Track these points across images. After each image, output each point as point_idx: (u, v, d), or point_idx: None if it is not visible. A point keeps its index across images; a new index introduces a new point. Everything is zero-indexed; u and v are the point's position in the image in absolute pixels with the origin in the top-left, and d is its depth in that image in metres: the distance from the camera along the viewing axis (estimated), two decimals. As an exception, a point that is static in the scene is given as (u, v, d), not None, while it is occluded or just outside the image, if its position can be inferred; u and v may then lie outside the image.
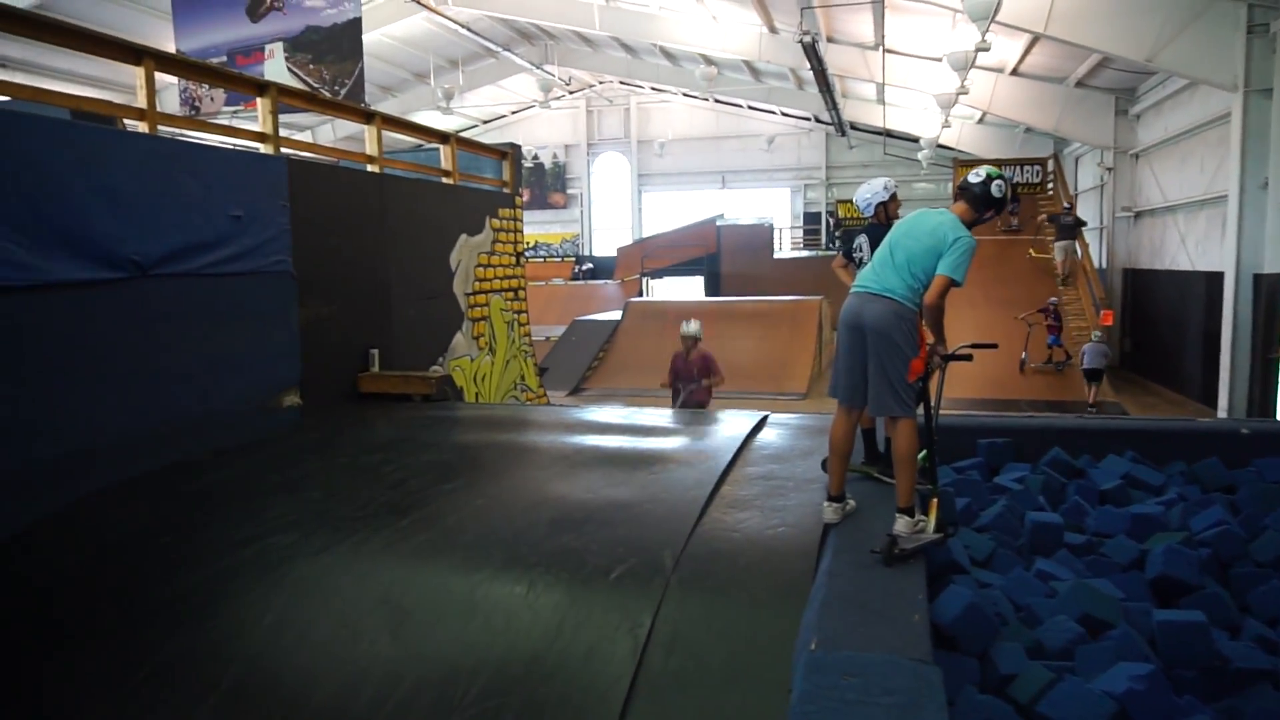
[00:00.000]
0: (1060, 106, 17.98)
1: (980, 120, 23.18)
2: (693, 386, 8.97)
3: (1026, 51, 16.48)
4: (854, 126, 28.53)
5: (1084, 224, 17.63)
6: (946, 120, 20.51)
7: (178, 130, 7.17)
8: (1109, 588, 3.65)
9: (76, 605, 3.57)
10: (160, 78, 5.67)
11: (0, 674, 3.21)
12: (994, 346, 4.17)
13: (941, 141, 23.84)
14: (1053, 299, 15.03)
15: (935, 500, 3.68)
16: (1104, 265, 18.60)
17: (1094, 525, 4.51)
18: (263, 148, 6.43)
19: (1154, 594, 3.79)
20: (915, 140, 26.20)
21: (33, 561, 3.88)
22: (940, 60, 16.51)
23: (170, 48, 15.04)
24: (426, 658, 3.20)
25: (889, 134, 27.16)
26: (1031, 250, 17.81)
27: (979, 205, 3.81)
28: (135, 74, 5.48)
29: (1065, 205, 18.04)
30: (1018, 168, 20.12)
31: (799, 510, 4.20)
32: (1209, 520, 4.31)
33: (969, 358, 3.95)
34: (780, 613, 3.34)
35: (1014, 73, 18.10)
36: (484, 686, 3.03)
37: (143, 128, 5.48)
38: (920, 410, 3.77)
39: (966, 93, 16.93)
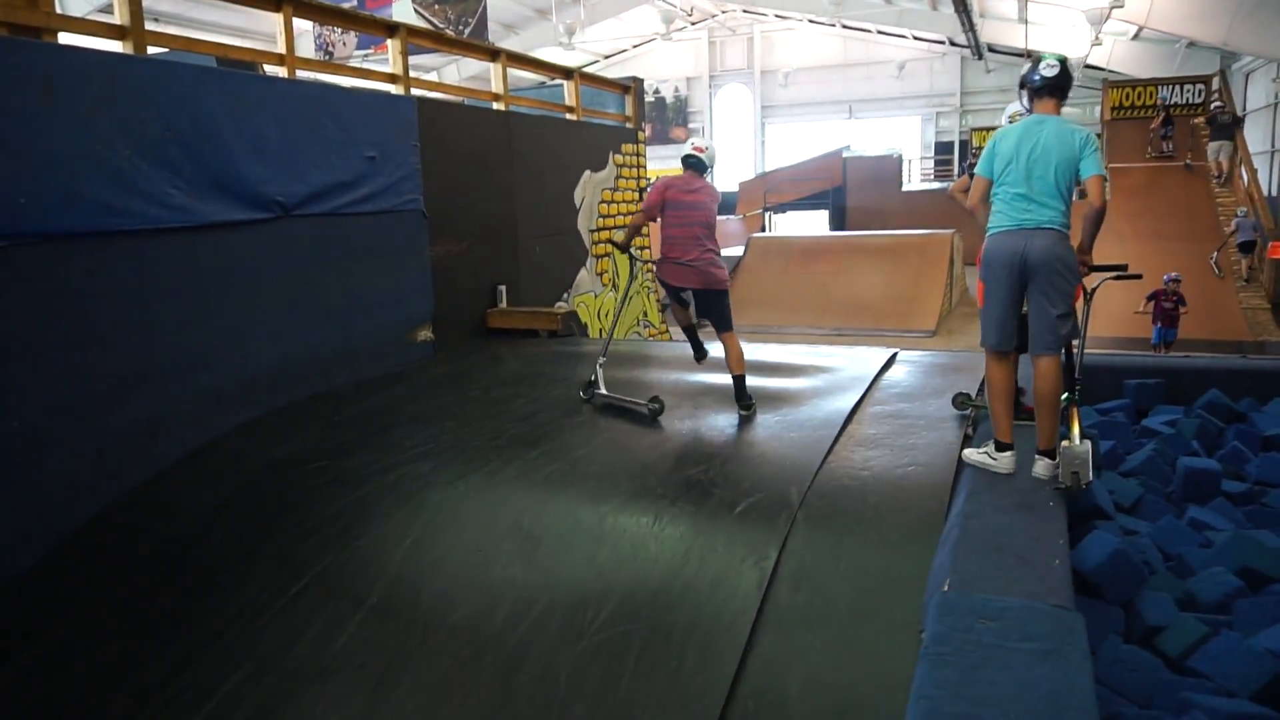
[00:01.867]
0: (1231, 15, 16.35)
1: (1135, 36, 21.41)
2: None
3: (1193, -44, 15.06)
4: (991, 49, 26.88)
5: (1241, 121, 16.24)
6: (1097, 38, 19.04)
7: (314, 74, 7.40)
8: (1273, 540, 3.42)
9: (242, 522, 3.86)
10: (296, 25, 5.85)
11: (181, 586, 3.50)
12: (1139, 277, 4.07)
13: (1090, 61, 22.19)
14: (1171, 275, 11.22)
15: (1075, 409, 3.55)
16: (1274, 193, 17.04)
17: (1256, 473, 4.23)
18: (393, 89, 6.58)
19: (1324, 548, 3.52)
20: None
21: (201, 482, 4.20)
22: (1093, -29, 15.29)
23: (305, -7, 15.49)
24: (557, 582, 3.30)
25: (1031, 56, 25.49)
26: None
27: (1065, 94, 3.60)
28: (274, 21, 5.67)
29: (1219, 104, 16.58)
30: (1176, 87, 18.55)
31: (930, 449, 4.09)
32: (1391, 470, 3.96)
33: (1123, 268, 3.88)
34: (910, 553, 3.28)
35: (1177, -19, 16.60)
36: (613, 611, 3.11)
37: (283, 73, 5.68)
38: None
39: (1121, 5, 15.64)
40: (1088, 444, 3.37)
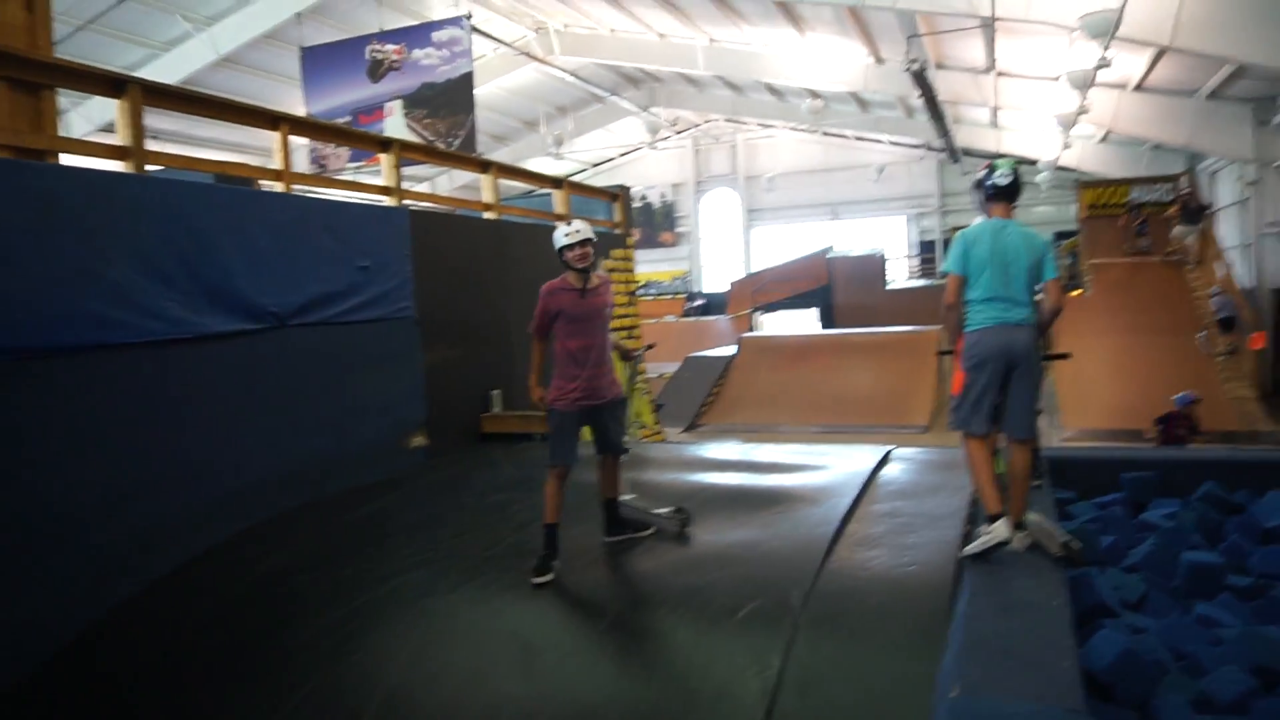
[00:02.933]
0: (1192, 121, 17.03)
1: (1103, 139, 22.22)
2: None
3: (1152, 65, 15.73)
4: (967, 152, 27.76)
5: (1208, 207, 17.23)
6: (1067, 141, 19.74)
7: (308, 188, 7.60)
8: (1283, 634, 3.37)
9: (233, 637, 3.75)
10: (291, 141, 6.02)
11: (171, 707, 3.38)
12: (1067, 356, 5.16)
13: (1061, 163, 22.95)
14: (1186, 395, 9.77)
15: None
16: (1250, 285, 17.42)
17: (1259, 566, 4.19)
18: (387, 200, 6.74)
19: (1335, 642, 3.46)
20: (1033, 163, 25.33)
21: (192, 595, 4.10)
22: (1058, 79, 15.95)
23: (300, 111, 15.99)
24: (557, 696, 3.21)
25: (990, 162, 26.33)
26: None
27: (1016, 198, 3.92)
28: (272, 138, 5.85)
29: (1185, 189, 17.37)
30: (1145, 187, 19.17)
31: (929, 548, 4.05)
32: (1394, 560, 3.93)
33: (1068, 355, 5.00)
34: (915, 655, 3.22)
35: (1139, 88, 17.29)
36: (615, 728, 3.01)
37: (279, 187, 5.83)
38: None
39: (1087, 112, 16.27)
40: (1039, 516, 3.82)
